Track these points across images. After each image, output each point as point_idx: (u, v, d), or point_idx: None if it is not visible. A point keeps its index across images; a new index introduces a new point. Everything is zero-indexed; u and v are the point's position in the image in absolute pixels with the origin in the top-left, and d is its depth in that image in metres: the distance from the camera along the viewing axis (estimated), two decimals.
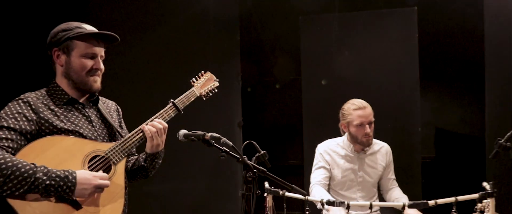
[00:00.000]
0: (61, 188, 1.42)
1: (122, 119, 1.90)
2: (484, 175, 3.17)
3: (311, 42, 3.93)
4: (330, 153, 2.73)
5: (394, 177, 2.80)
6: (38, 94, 1.65)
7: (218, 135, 1.57)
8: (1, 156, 1.39)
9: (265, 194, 1.96)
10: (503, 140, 1.73)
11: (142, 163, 1.79)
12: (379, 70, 3.83)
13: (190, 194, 3.62)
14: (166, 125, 1.76)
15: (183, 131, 1.66)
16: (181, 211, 3.64)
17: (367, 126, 2.58)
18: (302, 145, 3.86)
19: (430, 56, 4.09)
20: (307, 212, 1.88)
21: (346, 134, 2.72)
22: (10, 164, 1.39)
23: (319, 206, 2.03)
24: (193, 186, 3.62)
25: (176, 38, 3.66)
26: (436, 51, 4.22)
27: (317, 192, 2.50)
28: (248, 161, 1.58)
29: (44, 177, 1.40)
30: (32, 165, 1.42)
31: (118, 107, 1.93)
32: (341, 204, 1.75)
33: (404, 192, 2.82)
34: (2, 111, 1.55)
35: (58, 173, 1.44)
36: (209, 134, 1.58)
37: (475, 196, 1.76)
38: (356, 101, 2.72)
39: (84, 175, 1.48)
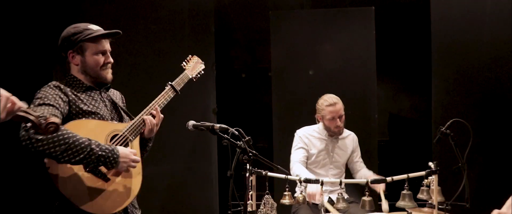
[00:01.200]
0: (109, 159, 1.65)
1: (125, 106, 2.12)
2: (431, 156, 3.54)
3: (280, 35, 4.15)
4: (307, 136, 3.11)
5: (361, 160, 3.24)
6: (57, 86, 1.82)
7: (226, 126, 1.85)
8: (63, 128, 1.60)
9: (248, 174, 2.26)
10: (444, 128, 2.12)
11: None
12: (342, 62, 4.13)
13: (169, 177, 3.82)
14: (162, 116, 2.02)
15: (192, 122, 1.92)
16: (162, 192, 3.82)
17: (338, 119, 3.00)
18: (271, 129, 4.13)
19: (386, 51, 4.39)
20: (286, 189, 2.21)
21: (322, 122, 3.11)
22: (71, 135, 1.60)
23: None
24: (171, 168, 3.82)
25: (156, 29, 3.80)
26: (391, 46, 4.53)
27: (297, 169, 2.85)
28: (246, 146, 1.86)
29: (97, 149, 1.63)
30: (87, 138, 1.63)
31: (122, 96, 2.15)
32: (316, 181, 2.10)
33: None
34: (40, 94, 1.74)
35: (107, 146, 1.68)
36: (218, 125, 1.85)
37: (422, 173, 2.14)
38: (328, 97, 3.09)
39: (124, 151, 1.73)
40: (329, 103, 3.01)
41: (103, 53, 1.86)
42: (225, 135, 1.86)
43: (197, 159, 3.96)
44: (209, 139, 3.98)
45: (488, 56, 3.50)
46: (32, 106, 1.67)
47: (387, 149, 4.73)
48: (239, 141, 1.87)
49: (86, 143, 1.62)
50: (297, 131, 3.21)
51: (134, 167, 1.77)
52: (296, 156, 3.00)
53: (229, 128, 1.87)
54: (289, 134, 3.53)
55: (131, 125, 1.88)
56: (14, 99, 1.32)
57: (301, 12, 4.23)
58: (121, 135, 1.84)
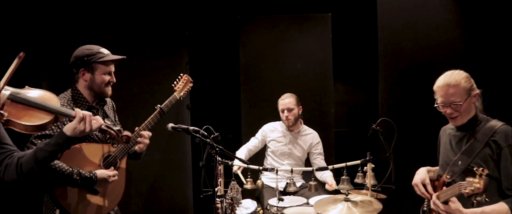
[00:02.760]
0: (87, 183, 2.01)
1: (116, 113, 2.43)
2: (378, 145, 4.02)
3: (247, 38, 4.52)
4: (270, 129, 3.58)
5: (321, 158, 3.59)
6: (66, 97, 2.10)
7: (197, 128, 2.24)
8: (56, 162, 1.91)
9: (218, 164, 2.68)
10: (374, 125, 2.58)
11: (129, 154, 2.32)
12: (302, 62, 4.51)
13: (147, 167, 4.07)
14: (150, 134, 2.33)
15: (171, 125, 2.30)
16: (142, 182, 4.11)
17: (286, 111, 3.42)
18: (239, 122, 4.50)
19: (341, 52, 4.82)
20: (248, 176, 2.66)
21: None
22: (61, 165, 1.93)
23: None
24: (149, 160, 3.99)
25: (138, 33, 4.03)
26: (346, 48, 4.97)
27: (239, 152, 3.40)
28: (215, 144, 2.25)
29: (78, 177, 1.96)
30: (70, 168, 1.96)
31: (113, 104, 2.43)
32: (271, 170, 2.56)
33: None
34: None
35: (85, 174, 2.00)
36: (191, 127, 2.24)
37: (358, 162, 2.61)
38: (284, 94, 3.53)
39: (102, 175, 2.05)
40: (281, 98, 3.50)
41: (109, 73, 2.17)
42: (197, 135, 2.25)
43: (173, 151, 4.21)
44: (184, 133, 4.30)
45: (426, 58, 3.84)
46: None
47: (346, 139, 5.21)
48: (208, 139, 2.26)
49: (69, 171, 1.95)
50: (264, 125, 3.65)
51: (111, 183, 2.11)
52: (248, 143, 3.54)
53: (200, 129, 2.26)
54: (255, 126, 3.91)
55: (121, 148, 2.21)
56: (96, 117, 1.76)
57: (267, 17, 4.57)
58: (112, 156, 2.18)
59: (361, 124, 5.03)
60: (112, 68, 2.20)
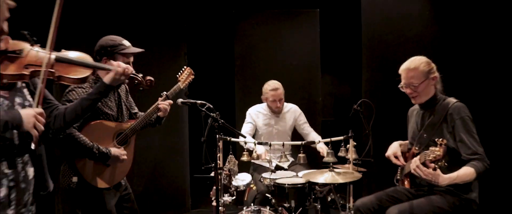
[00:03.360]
0: (103, 158, 2.31)
1: (128, 94, 2.70)
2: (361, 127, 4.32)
3: (242, 31, 4.84)
4: (256, 113, 3.83)
5: (307, 124, 3.89)
6: (89, 84, 2.34)
7: (205, 102, 2.54)
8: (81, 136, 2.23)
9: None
10: (355, 106, 2.93)
11: (151, 122, 2.66)
12: (292, 55, 4.83)
13: (148, 151, 4.33)
14: (171, 101, 2.64)
15: (180, 99, 2.61)
16: (143, 164, 4.35)
17: (278, 101, 3.71)
18: (234, 110, 4.83)
19: (329, 46, 5.15)
20: (245, 150, 2.99)
21: (266, 102, 3.85)
22: (84, 139, 2.23)
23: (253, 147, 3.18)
24: (150, 144, 4.30)
25: (142, 27, 4.24)
26: (333, 42, 5.28)
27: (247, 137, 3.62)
28: (218, 118, 2.56)
29: (96, 152, 2.25)
30: (91, 143, 2.26)
31: (126, 86, 2.68)
32: (265, 144, 2.90)
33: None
34: (73, 92, 2.29)
35: (103, 149, 2.31)
36: (199, 101, 2.54)
37: (341, 138, 2.96)
38: (272, 83, 3.77)
39: (115, 153, 2.36)
40: (272, 88, 3.71)
41: (128, 63, 2.40)
42: (203, 109, 2.55)
43: (172, 136, 4.50)
44: (182, 118, 4.58)
45: (404, 50, 4.07)
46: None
47: (332, 127, 5.51)
48: (213, 113, 2.57)
49: (90, 144, 2.27)
50: (249, 109, 3.91)
51: (122, 161, 2.43)
52: (245, 129, 3.75)
53: (207, 103, 2.57)
54: (246, 109, 4.10)
55: (133, 125, 2.50)
56: (128, 66, 2.10)
57: (260, 12, 4.88)
58: (124, 133, 2.47)
59: (347, 113, 5.45)
60: (131, 59, 2.46)
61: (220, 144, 2.96)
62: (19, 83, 1.63)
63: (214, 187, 3.03)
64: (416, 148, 2.54)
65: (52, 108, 1.88)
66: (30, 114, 1.47)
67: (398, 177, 2.74)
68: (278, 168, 3.50)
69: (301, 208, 2.93)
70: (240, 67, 4.89)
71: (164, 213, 4.46)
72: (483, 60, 4.04)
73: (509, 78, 3.95)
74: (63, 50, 1.83)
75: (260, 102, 3.99)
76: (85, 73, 1.78)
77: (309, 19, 4.85)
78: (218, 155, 2.94)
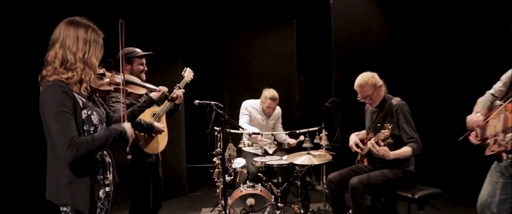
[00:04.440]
0: (149, 128, 2.96)
1: None
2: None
3: (230, 39, 5.55)
4: (251, 106, 4.47)
5: (281, 126, 4.64)
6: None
7: (216, 102, 3.25)
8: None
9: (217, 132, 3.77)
10: (327, 103, 3.75)
11: (172, 107, 3.26)
12: (273, 58, 5.55)
13: None
14: (184, 91, 3.24)
15: (197, 101, 3.32)
16: None
17: (272, 108, 4.36)
18: (223, 105, 5.48)
19: (304, 51, 5.82)
20: (241, 138, 3.77)
21: (260, 100, 4.51)
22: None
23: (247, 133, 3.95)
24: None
25: (144, 35, 4.71)
26: (308, 48, 5.96)
27: (246, 126, 4.25)
28: (224, 112, 3.29)
29: (144, 124, 2.91)
30: (140, 119, 2.88)
31: None
32: (257, 133, 3.70)
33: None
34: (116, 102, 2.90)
35: (148, 122, 2.96)
36: (213, 102, 3.26)
37: (316, 128, 3.79)
38: (273, 93, 4.34)
39: (158, 126, 3.01)
40: (271, 97, 4.31)
41: (142, 64, 3.10)
42: (214, 107, 3.25)
43: (171, 129, 5.00)
44: (179, 115, 5.19)
45: (366, 56, 4.95)
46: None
47: (307, 120, 6.26)
48: (220, 110, 3.29)
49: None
50: (244, 102, 4.52)
51: (161, 132, 3.11)
52: (243, 120, 4.42)
53: (217, 103, 3.28)
54: (236, 111, 4.75)
55: (162, 108, 3.17)
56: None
57: (245, 22, 5.57)
58: (157, 113, 3.16)
59: (320, 108, 6.15)
60: (143, 60, 3.12)
61: (221, 134, 3.75)
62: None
63: (216, 170, 3.80)
64: (372, 134, 3.39)
65: (110, 117, 2.37)
66: (129, 127, 2.04)
67: (359, 159, 3.59)
68: (265, 153, 4.30)
69: (286, 183, 3.75)
70: (228, 69, 5.57)
71: (166, 196, 5.10)
72: (423, 65, 4.97)
73: (442, 80, 4.89)
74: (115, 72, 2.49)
75: (248, 98, 4.67)
76: (143, 90, 2.50)
77: (287, 28, 5.58)
78: (219, 144, 3.72)
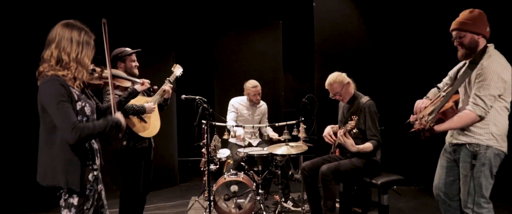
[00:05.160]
0: (141, 110, 3.25)
1: None
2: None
3: (220, 38, 5.86)
4: (237, 103, 4.77)
5: (267, 122, 4.93)
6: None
7: (201, 97, 3.60)
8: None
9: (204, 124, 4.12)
10: (304, 99, 4.10)
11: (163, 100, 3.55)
12: (260, 58, 5.85)
13: None
14: (172, 86, 3.60)
15: (183, 96, 3.66)
16: None
17: (257, 95, 4.67)
18: (213, 103, 5.78)
19: (290, 50, 6.14)
20: (226, 130, 4.12)
21: (247, 97, 4.86)
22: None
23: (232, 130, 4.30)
24: None
25: (139, 35, 5.05)
26: (293, 47, 6.28)
27: (231, 123, 4.66)
28: (208, 106, 3.65)
29: (136, 107, 3.21)
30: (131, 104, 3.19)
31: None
32: (240, 126, 4.05)
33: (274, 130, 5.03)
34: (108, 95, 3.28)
35: (140, 105, 3.24)
36: (198, 97, 3.60)
37: (294, 122, 4.14)
38: (252, 81, 4.71)
39: (149, 107, 3.28)
40: (253, 85, 4.66)
41: (134, 61, 3.43)
42: (200, 101, 3.59)
43: (163, 123, 5.22)
44: (171, 110, 5.49)
45: (346, 55, 5.28)
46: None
47: (292, 116, 6.56)
48: (205, 104, 3.64)
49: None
50: (231, 100, 4.84)
51: (152, 111, 3.36)
52: (230, 117, 4.74)
53: (202, 97, 3.61)
54: (225, 107, 5.02)
55: (153, 98, 3.46)
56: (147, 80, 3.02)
57: (234, 23, 5.88)
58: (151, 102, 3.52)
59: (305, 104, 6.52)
60: (134, 57, 3.43)
61: (207, 127, 4.10)
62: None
63: (203, 159, 4.16)
64: (342, 127, 3.74)
65: (98, 107, 2.59)
66: (121, 117, 2.30)
67: (332, 150, 3.94)
68: (249, 144, 4.65)
69: (266, 171, 4.10)
70: (218, 68, 5.89)
71: (159, 186, 5.46)
72: (397, 64, 5.32)
73: (414, 76, 5.24)
74: (103, 67, 2.79)
75: (237, 95, 4.97)
76: (128, 83, 2.84)
77: (274, 29, 5.90)
78: (205, 136, 4.07)
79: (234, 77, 5.81)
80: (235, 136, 4.18)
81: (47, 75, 2.08)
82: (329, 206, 3.52)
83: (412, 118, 2.81)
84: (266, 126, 4.28)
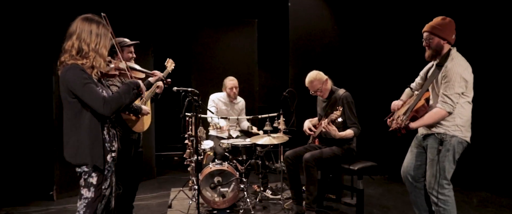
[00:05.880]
0: (138, 110, 3.36)
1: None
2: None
3: (199, 38, 5.99)
4: (217, 98, 4.97)
5: (245, 116, 5.22)
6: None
7: (193, 89, 3.73)
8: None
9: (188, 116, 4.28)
10: (284, 93, 4.35)
11: (155, 95, 3.64)
12: (236, 55, 6.03)
13: None
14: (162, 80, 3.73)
15: (175, 88, 3.79)
16: None
17: (234, 88, 4.93)
18: None
19: (265, 48, 6.35)
20: (211, 122, 4.31)
21: (224, 89, 5.09)
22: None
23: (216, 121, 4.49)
24: None
25: (117, 30, 5.22)
26: (268, 45, 6.48)
27: (215, 116, 4.86)
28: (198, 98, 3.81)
29: (136, 107, 3.31)
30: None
31: None
32: (225, 118, 4.25)
33: (254, 124, 5.31)
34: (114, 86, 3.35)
35: (138, 105, 3.36)
36: (190, 89, 3.75)
37: (275, 114, 4.39)
38: (230, 77, 4.97)
39: (145, 109, 3.42)
40: (230, 79, 4.92)
41: (131, 52, 3.53)
42: (189, 93, 3.75)
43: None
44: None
45: (319, 53, 5.58)
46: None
47: (266, 110, 6.78)
48: (195, 96, 3.80)
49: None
50: (211, 95, 5.03)
51: (147, 114, 3.56)
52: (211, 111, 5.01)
53: (194, 89, 3.77)
54: (201, 97, 5.16)
55: (148, 94, 3.57)
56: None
57: (211, 20, 6.04)
58: (143, 99, 3.57)
59: (277, 100, 6.57)
60: (132, 49, 3.56)
61: (192, 119, 4.26)
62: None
63: (188, 150, 4.31)
64: (324, 118, 4.03)
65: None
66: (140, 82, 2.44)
67: (311, 141, 4.23)
68: (230, 136, 4.84)
69: (249, 161, 4.32)
70: (196, 63, 6.03)
71: None
72: (366, 61, 5.72)
73: (381, 72, 5.67)
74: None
75: (214, 91, 5.16)
76: (142, 75, 2.98)
77: (249, 27, 6.10)
78: (190, 127, 4.24)
79: (211, 72, 5.97)
80: (219, 128, 4.38)
81: (68, 63, 2.25)
82: (311, 191, 3.80)
83: (388, 121, 3.15)
84: (248, 124, 4.53)
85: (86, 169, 2.29)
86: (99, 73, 2.37)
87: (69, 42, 2.28)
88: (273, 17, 6.43)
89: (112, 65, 2.54)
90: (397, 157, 5.29)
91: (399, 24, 5.66)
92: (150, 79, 3.13)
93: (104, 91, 2.34)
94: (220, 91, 5.13)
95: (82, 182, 2.31)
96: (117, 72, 2.56)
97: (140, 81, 2.48)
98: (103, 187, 2.33)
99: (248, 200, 4.16)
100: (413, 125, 2.93)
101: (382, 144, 5.54)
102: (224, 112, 4.97)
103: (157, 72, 3.23)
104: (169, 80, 3.43)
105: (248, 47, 6.14)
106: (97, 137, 2.27)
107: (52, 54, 4.59)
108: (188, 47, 6.12)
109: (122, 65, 2.57)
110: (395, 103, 3.29)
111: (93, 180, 2.29)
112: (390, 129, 2.92)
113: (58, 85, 4.56)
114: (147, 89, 3.05)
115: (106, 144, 2.34)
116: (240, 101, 5.16)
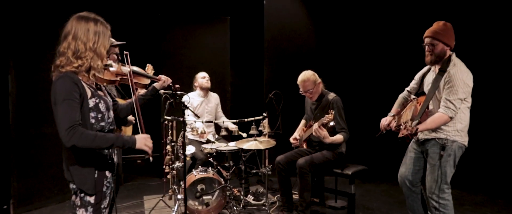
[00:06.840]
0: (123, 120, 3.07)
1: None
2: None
3: (170, 32, 5.69)
4: (190, 97, 4.72)
5: (221, 112, 4.97)
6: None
7: (182, 92, 3.46)
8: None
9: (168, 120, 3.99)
10: (270, 95, 4.20)
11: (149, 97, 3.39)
12: (208, 53, 5.82)
13: None
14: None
15: (162, 90, 3.48)
16: None
17: (206, 77, 4.70)
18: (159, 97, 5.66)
19: (237, 46, 6.16)
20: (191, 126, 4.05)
21: (198, 88, 4.85)
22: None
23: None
24: None
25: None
26: (240, 43, 6.29)
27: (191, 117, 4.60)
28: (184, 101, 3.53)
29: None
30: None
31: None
32: (210, 122, 4.01)
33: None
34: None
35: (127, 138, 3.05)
36: (179, 92, 3.45)
37: (260, 117, 4.21)
38: (202, 73, 4.78)
39: (130, 118, 3.07)
40: (202, 76, 4.74)
41: (116, 53, 3.25)
42: (178, 96, 3.46)
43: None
44: None
45: (295, 53, 5.54)
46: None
47: (239, 111, 6.61)
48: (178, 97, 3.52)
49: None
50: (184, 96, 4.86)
51: (131, 125, 3.28)
52: (186, 112, 4.70)
53: (183, 92, 3.50)
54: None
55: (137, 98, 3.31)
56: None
57: (182, 16, 5.78)
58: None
59: (249, 99, 6.50)
60: (117, 50, 3.31)
61: (175, 122, 4.00)
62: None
63: (167, 156, 4.04)
64: (312, 122, 3.92)
65: (116, 105, 2.42)
66: (142, 137, 2.08)
67: (297, 144, 4.09)
68: (208, 141, 4.61)
69: (234, 167, 4.12)
70: (167, 61, 5.73)
71: None
72: (342, 61, 5.72)
73: (358, 74, 5.70)
74: (121, 64, 2.57)
75: (185, 88, 4.85)
76: (147, 81, 2.67)
77: (222, 24, 5.89)
78: (170, 132, 3.97)
79: (182, 70, 5.72)
80: (202, 133, 4.13)
81: (61, 71, 1.98)
82: (305, 197, 3.68)
83: (393, 127, 3.11)
84: (234, 126, 4.32)
85: (74, 187, 2.02)
86: (95, 76, 2.06)
87: (65, 43, 2.01)
88: (247, 15, 6.24)
89: (113, 69, 2.24)
90: (370, 158, 5.45)
91: (376, 25, 5.70)
92: (156, 84, 2.83)
93: (101, 101, 2.06)
94: (191, 90, 4.93)
95: (77, 201, 2.01)
96: (118, 78, 2.26)
97: (139, 140, 2.08)
98: (102, 206, 2.05)
99: (235, 208, 3.96)
100: (418, 130, 2.90)
101: (359, 149, 5.56)
102: (199, 110, 4.76)
103: (163, 77, 2.93)
104: (177, 86, 3.15)
105: (220, 45, 5.93)
106: (83, 161, 1.98)
107: (9, 50, 4.17)
108: (158, 44, 5.80)
109: (125, 69, 2.27)
110: (382, 122, 3.22)
111: (91, 198, 2.01)
112: (400, 135, 2.86)
113: (15, 85, 4.21)
114: (152, 95, 2.74)
115: (101, 165, 2.06)
116: (213, 94, 4.99)
